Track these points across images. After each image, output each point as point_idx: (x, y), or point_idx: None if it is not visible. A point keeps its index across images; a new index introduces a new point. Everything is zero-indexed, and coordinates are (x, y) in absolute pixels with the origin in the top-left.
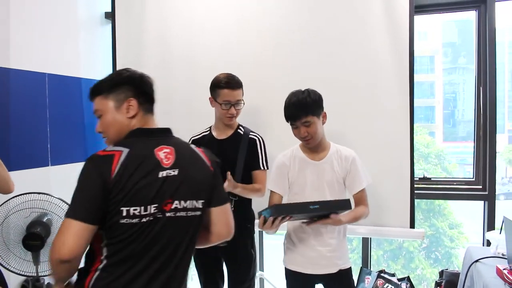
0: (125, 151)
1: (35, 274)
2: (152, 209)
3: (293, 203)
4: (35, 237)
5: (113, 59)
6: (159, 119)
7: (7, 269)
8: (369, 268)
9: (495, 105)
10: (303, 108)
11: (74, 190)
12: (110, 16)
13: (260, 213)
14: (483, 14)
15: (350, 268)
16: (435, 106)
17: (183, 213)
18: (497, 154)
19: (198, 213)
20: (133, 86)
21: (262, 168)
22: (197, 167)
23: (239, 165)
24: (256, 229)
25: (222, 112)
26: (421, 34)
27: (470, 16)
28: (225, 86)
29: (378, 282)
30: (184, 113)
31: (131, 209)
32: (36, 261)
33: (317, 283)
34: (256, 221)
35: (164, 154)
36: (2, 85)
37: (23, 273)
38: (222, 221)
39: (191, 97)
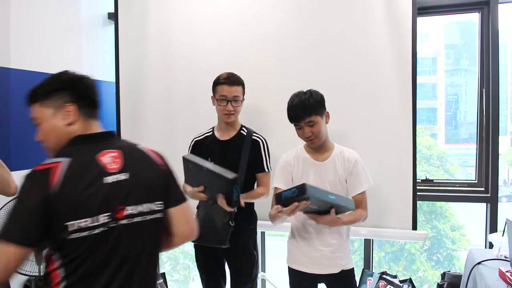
0: (65, 161)
1: (38, 274)
2: (102, 219)
3: (319, 188)
4: None
5: (115, 60)
6: (161, 120)
7: None
8: (371, 270)
9: (498, 107)
10: (306, 108)
11: (11, 208)
12: (113, 16)
13: (281, 194)
14: (486, 16)
15: (353, 269)
16: (437, 108)
17: (139, 218)
18: (499, 156)
19: (158, 215)
20: (72, 91)
21: (266, 170)
22: (149, 168)
23: (242, 166)
24: (258, 230)
25: (220, 108)
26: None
27: (472, 18)
28: (222, 82)
29: (380, 283)
30: (186, 114)
31: (77, 222)
32: (38, 260)
33: (320, 283)
34: (260, 222)
35: (110, 158)
36: (4, 85)
37: (26, 273)
38: (182, 220)
39: (193, 98)
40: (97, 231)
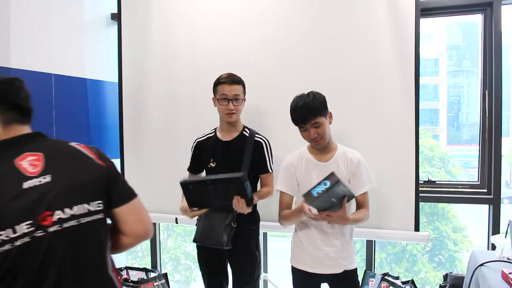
0: None
1: None
2: (24, 228)
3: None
4: None
5: (118, 60)
6: (163, 120)
7: None
8: (373, 271)
9: (500, 108)
10: (311, 110)
11: None
12: (116, 17)
13: (311, 192)
14: (489, 17)
15: (356, 269)
16: (439, 109)
17: (73, 222)
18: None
19: (98, 216)
20: None
21: (270, 171)
22: (81, 166)
23: (244, 167)
24: (260, 231)
25: (221, 108)
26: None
27: (474, 19)
28: (222, 82)
29: (382, 285)
30: (188, 114)
31: None
32: None
33: (323, 282)
34: (262, 223)
35: (28, 162)
36: None
37: None
38: (133, 220)
39: (195, 98)
40: (19, 242)
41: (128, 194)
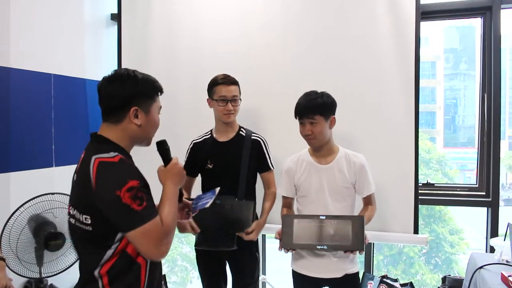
0: None
1: (38, 276)
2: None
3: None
4: (56, 236)
5: (118, 61)
6: (163, 121)
7: (11, 269)
8: (371, 273)
9: (499, 111)
10: (312, 106)
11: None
12: (116, 17)
13: None
14: (488, 21)
15: (357, 273)
16: (436, 111)
17: (72, 220)
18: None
19: (86, 227)
20: None
21: (271, 168)
22: (81, 179)
23: (243, 167)
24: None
25: (219, 109)
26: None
27: (472, 23)
28: (220, 83)
29: (381, 287)
30: (189, 115)
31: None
32: (40, 262)
33: (324, 286)
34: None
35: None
36: (9, 85)
37: (26, 275)
38: (138, 245)
39: (195, 99)
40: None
41: (130, 224)
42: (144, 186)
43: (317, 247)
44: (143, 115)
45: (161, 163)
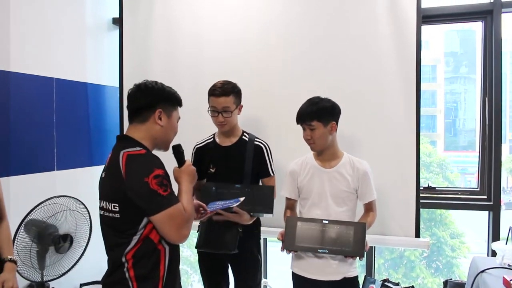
0: None
1: (40, 279)
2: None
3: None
4: (64, 238)
5: (120, 65)
6: None
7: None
8: (373, 277)
9: (500, 115)
10: (309, 112)
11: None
12: (118, 21)
13: None
14: (489, 25)
15: (357, 276)
16: (436, 115)
17: (101, 212)
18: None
19: (114, 215)
20: None
21: (271, 174)
22: (113, 172)
23: (246, 172)
24: (261, 236)
25: (212, 119)
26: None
27: (472, 26)
28: (210, 93)
29: None
30: (190, 119)
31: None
32: (41, 266)
33: None
34: (262, 228)
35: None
36: (11, 89)
37: (28, 278)
38: (161, 228)
39: (197, 103)
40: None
41: (155, 207)
42: (167, 176)
43: (319, 250)
44: (166, 118)
45: (173, 168)
